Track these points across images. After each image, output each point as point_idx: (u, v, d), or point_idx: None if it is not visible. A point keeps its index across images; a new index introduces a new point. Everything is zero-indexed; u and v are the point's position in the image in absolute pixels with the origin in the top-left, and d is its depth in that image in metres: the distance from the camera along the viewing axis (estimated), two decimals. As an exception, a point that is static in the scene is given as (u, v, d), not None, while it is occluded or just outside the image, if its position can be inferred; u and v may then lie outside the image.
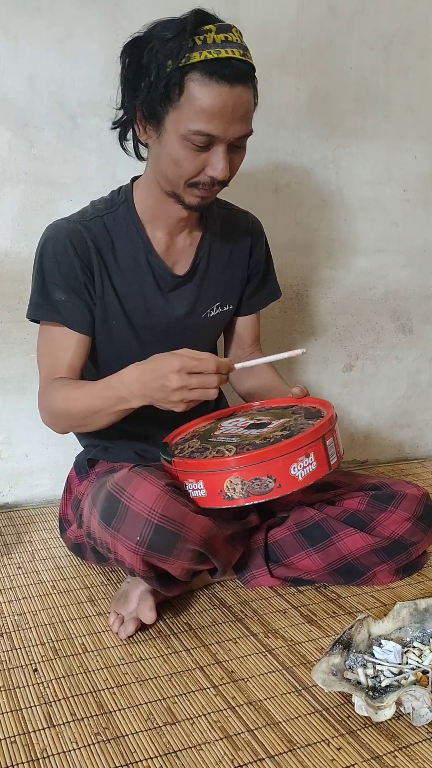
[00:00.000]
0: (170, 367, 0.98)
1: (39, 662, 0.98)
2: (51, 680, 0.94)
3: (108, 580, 1.23)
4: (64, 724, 0.85)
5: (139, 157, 1.18)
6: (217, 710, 0.89)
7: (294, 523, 1.22)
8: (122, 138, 1.16)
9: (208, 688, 0.93)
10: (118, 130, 1.15)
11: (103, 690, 0.92)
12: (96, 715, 0.87)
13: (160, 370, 0.99)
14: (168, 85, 1.02)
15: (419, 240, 1.88)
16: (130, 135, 1.15)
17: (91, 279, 1.17)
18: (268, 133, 1.63)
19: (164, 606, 1.12)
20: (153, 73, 1.03)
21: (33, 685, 0.93)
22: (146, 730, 0.84)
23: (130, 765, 0.79)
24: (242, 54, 1.03)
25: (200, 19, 1.02)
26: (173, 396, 0.99)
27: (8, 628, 1.06)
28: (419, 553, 1.26)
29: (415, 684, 0.90)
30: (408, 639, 1.00)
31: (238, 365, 1.07)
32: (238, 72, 1.02)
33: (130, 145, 1.17)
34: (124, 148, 1.17)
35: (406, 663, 0.95)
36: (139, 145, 1.16)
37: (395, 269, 1.87)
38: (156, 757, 0.80)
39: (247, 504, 1.01)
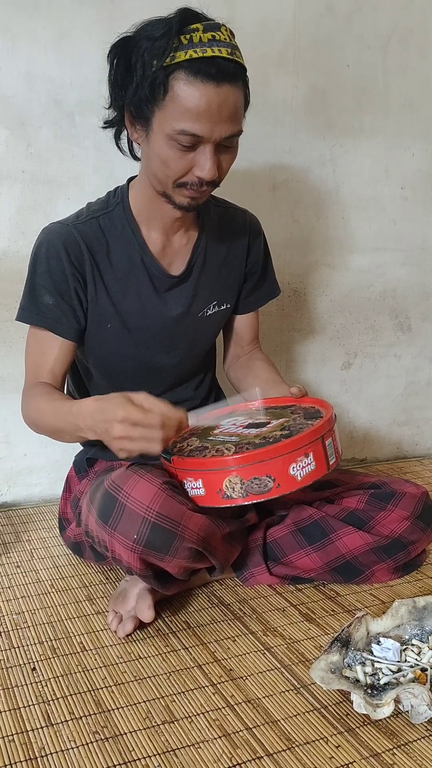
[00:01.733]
0: (114, 415, 0.95)
1: (37, 661, 0.98)
2: (49, 679, 0.94)
3: (106, 578, 1.23)
4: (62, 722, 0.85)
5: (134, 157, 1.18)
6: (216, 708, 0.89)
7: (293, 521, 1.21)
8: (116, 137, 1.16)
9: (207, 687, 0.93)
10: (113, 129, 1.15)
11: (102, 689, 0.92)
12: (94, 713, 0.87)
13: (107, 414, 0.97)
14: (153, 84, 1.01)
15: (418, 238, 1.88)
16: (125, 134, 1.15)
17: (83, 286, 1.17)
18: (266, 131, 1.63)
19: (163, 604, 1.12)
20: (139, 73, 1.02)
21: (31, 683, 0.93)
22: (144, 729, 0.84)
23: (128, 763, 0.79)
24: (230, 53, 1.01)
25: (187, 18, 1.01)
26: (114, 443, 0.97)
27: (6, 627, 1.06)
28: (418, 551, 1.26)
29: (413, 682, 0.90)
30: (407, 637, 1.00)
31: (192, 420, 1.02)
32: (224, 71, 1.00)
33: (125, 143, 1.17)
34: (119, 148, 1.17)
35: (405, 660, 0.94)
36: (134, 144, 1.16)
37: (393, 267, 1.87)
38: (154, 755, 0.80)
39: (246, 503, 1.01)
